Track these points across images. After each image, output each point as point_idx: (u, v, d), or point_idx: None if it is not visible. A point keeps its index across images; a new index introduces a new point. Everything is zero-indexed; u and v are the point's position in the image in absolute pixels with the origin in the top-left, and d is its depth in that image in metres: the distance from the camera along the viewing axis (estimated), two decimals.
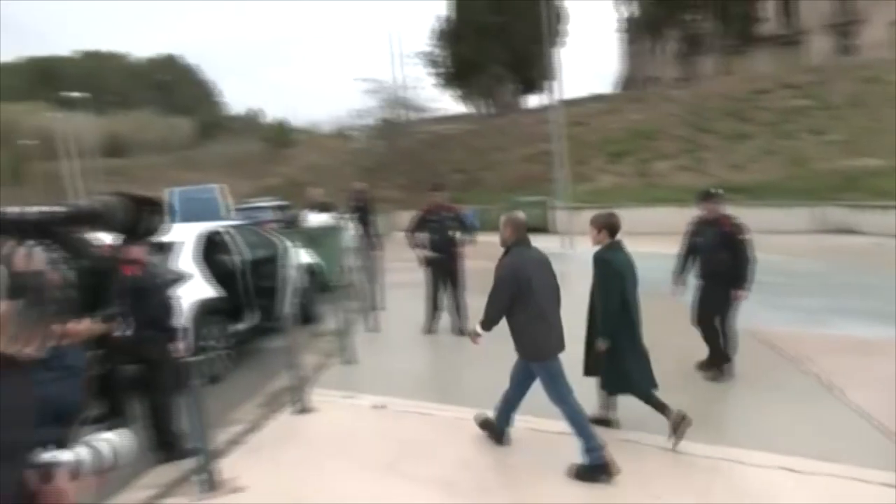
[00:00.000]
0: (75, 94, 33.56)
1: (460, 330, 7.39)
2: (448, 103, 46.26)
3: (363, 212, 14.17)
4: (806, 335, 6.86)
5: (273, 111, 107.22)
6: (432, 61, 40.10)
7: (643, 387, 4.41)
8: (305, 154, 43.16)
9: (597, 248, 4.51)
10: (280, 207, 19.12)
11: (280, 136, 50.75)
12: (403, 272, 7.98)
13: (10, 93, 50.87)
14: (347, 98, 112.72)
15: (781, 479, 3.82)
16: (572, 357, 4.33)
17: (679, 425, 4.23)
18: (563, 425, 4.07)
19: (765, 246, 12.33)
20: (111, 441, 1.28)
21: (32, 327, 0.94)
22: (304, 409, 5.28)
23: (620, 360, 4.35)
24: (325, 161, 36.87)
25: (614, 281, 4.31)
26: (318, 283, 9.52)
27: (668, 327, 6.19)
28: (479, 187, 24.96)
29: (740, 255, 5.50)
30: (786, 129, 22.11)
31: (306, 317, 8.40)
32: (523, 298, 4.03)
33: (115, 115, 54.66)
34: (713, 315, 5.67)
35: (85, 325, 2.66)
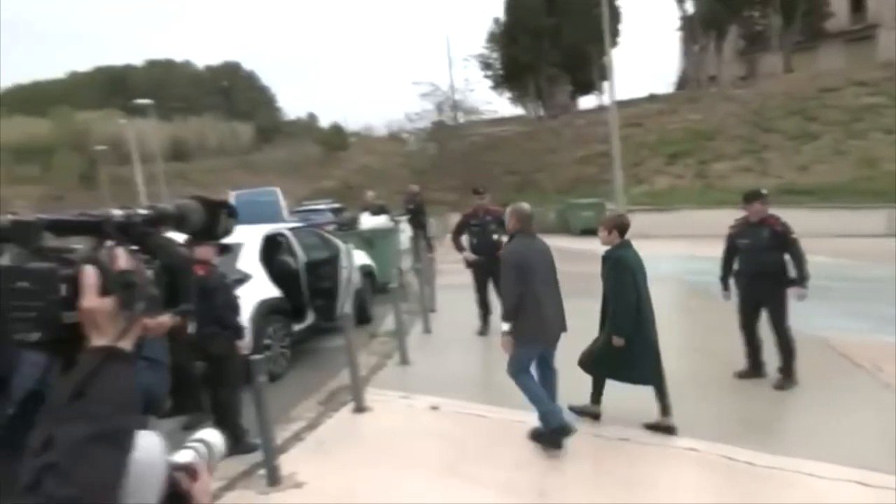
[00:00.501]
0: (143, 102, 35.02)
1: (480, 332, 7.70)
2: (501, 105, 46.22)
3: (417, 214, 14.32)
4: (878, 343, 6.54)
5: (328, 115, 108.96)
6: (486, 64, 40.09)
7: (644, 379, 4.58)
8: (359, 157, 43.88)
9: (607, 247, 4.66)
10: (335, 210, 19.54)
11: (335, 140, 51.80)
12: (455, 274, 8.04)
13: (85, 101, 53.74)
14: (401, 101, 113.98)
15: (855, 492, 3.66)
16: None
17: (661, 429, 4.46)
18: (622, 431, 4.02)
19: (834, 250, 11.89)
20: (214, 438, 1.35)
21: (128, 323, 1.00)
22: (361, 409, 5.37)
23: (631, 353, 4.50)
24: (379, 164, 37.38)
25: (628, 278, 4.46)
26: (373, 285, 9.65)
27: (727, 332, 6.02)
28: (532, 189, 24.79)
29: (796, 253, 5.44)
30: (856, 129, 21.09)
31: (361, 317, 8.54)
32: (523, 283, 4.32)
33: (179, 121, 56.83)
34: (757, 317, 5.61)
35: (164, 319, 2.79)
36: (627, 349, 4.49)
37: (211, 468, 1.26)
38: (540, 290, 4.36)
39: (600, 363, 4.72)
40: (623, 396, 4.74)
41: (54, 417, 0.92)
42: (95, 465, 0.91)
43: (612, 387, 4.78)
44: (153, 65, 70.77)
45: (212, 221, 1.21)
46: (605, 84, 37.23)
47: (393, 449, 4.59)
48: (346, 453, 4.58)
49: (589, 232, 19.59)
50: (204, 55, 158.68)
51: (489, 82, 40.69)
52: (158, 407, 2.03)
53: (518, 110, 43.21)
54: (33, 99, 57.30)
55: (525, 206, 4.71)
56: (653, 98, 34.81)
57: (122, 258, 1.02)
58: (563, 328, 4.55)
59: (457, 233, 7.96)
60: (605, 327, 4.69)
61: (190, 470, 1.19)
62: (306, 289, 7.47)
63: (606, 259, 4.61)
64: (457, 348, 7.44)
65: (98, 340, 0.98)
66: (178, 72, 71.59)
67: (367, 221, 12.27)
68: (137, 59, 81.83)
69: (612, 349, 4.53)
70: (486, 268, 7.60)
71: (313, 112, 78.43)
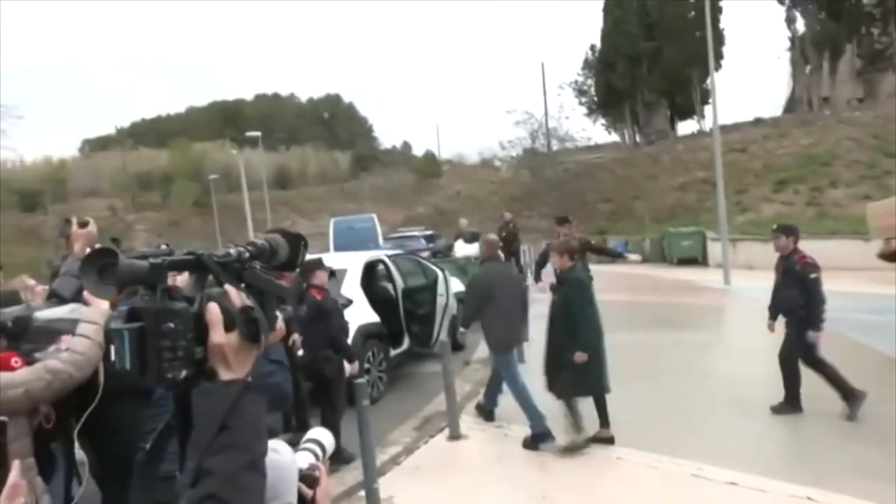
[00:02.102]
0: (252, 134, 37.39)
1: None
2: (596, 132, 45.68)
3: (510, 241, 14.34)
4: None
5: (422, 143, 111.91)
6: (581, 91, 39.88)
7: (605, 387, 5.03)
8: (452, 184, 44.61)
9: (562, 270, 5.17)
10: (428, 236, 19.90)
11: (428, 167, 52.87)
12: (547, 303, 8.00)
13: (200, 133, 57.99)
14: (494, 129, 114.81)
15: None
16: None
17: (600, 439, 4.89)
18: (700, 468, 3.83)
19: None
20: (326, 438, 1.46)
21: (247, 355, 1.06)
22: (457, 436, 5.43)
23: (595, 364, 4.92)
24: (472, 191, 37.84)
25: (588, 294, 5.01)
26: None
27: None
28: (628, 217, 24.26)
29: (812, 293, 5.39)
30: None
31: (454, 344, 8.63)
32: (489, 303, 5.25)
33: (283, 151, 60.09)
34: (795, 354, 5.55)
35: (281, 326, 3.10)
36: (590, 362, 4.84)
37: (326, 468, 1.35)
38: (505, 308, 5.35)
39: (572, 384, 4.99)
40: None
41: (204, 450, 0.98)
42: (249, 491, 0.99)
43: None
44: (261, 98, 75.50)
45: (294, 253, 1.24)
46: (706, 108, 36.21)
47: (489, 478, 4.60)
48: (442, 479, 4.64)
49: (687, 261, 18.89)
50: (307, 88, 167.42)
51: (584, 109, 40.41)
52: (286, 402, 2.24)
53: (613, 137, 42.63)
54: (155, 132, 62.61)
55: (492, 236, 5.91)
56: (758, 122, 33.27)
57: (234, 294, 1.07)
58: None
59: (540, 262, 7.98)
60: (558, 349, 5.05)
61: (311, 478, 1.28)
62: (404, 314, 7.66)
63: (563, 281, 5.06)
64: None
65: (226, 374, 1.03)
66: (284, 104, 75.95)
67: (461, 249, 12.44)
68: (248, 93, 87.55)
69: (575, 368, 4.83)
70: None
71: (408, 140, 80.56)
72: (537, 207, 27.40)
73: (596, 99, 40.15)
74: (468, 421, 5.75)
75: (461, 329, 6.36)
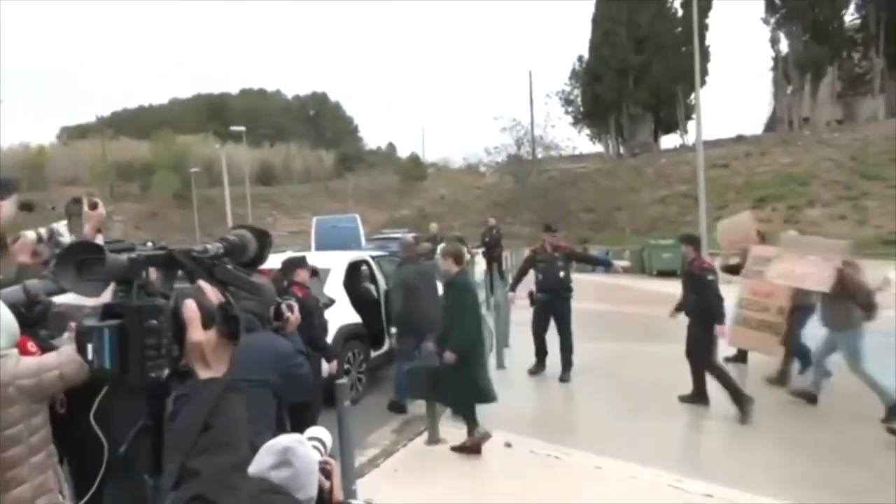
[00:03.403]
0: (237, 128, 37.10)
1: (531, 370, 7.61)
2: (581, 142, 46.10)
3: (492, 247, 14.40)
4: None
5: (407, 146, 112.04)
6: (567, 100, 40.20)
7: (490, 396, 5.13)
8: (437, 187, 44.70)
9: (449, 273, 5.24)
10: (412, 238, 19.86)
11: (413, 170, 52.90)
12: (528, 310, 7.99)
13: (184, 125, 57.40)
14: (480, 135, 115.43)
15: None
16: None
17: (471, 448, 4.96)
18: (678, 479, 3.86)
19: None
20: (326, 437, 1.47)
21: (224, 352, 1.04)
22: (435, 440, 5.41)
23: (474, 374, 5.02)
24: (456, 195, 37.92)
25: (471, 300, 5.11)
26: None
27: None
28: (610, 228, 24.48)
29: (711, 293, 5.93)
30: None
31: None
32: (411, 298, 6.21)
33: (267, 147, 59.66)
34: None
35: (297, 316, 3.27)
36: (469, 369, 4.94)
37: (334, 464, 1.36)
38: (424, 302, 6.12)
39: (449, 392, 5.12)
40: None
41: (187, 450, 0.96)
42: (236, 491, 0.97)
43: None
44: (247, 93, 74.96)
45: (261, 250, 1.23)
46: (690, 123, 36.68)
47: (467, 484, 4.59)
48: (420, 483, 4.62)
49: (667, 274, 19.08)
50: (294, 85, 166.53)
51: (570, 119, 40.74)
52: (312, 390, 2.38)
53: (598, 147, 43.02)
54: (137, 122, 61.81)
55: (409, 237, 6.39)
56: (740, 139, 33.81)
57: (210, 290, 1.04)
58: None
59: (523, 269, 7.95)
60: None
61: (326, 470, 1.29)
62: (385, 316, 7.62)
63: (450, 284, 5.19)
64: (531, 385, 7.38)
65: (204, 372, 1.01)
66: (270, 100, 75.49)
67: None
68: (233, 87, 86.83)
69: (454, 373, 4.93)
70: (549, 306, 7.51)
71: (393, 142, 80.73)
72: (520, 214, 27.52)
73: (582, 109, 40.50)
74: (447, 425, 5.73)
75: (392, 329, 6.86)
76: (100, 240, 2.24)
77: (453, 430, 5.62)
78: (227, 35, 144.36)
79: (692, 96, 29.56)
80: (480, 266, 13.79)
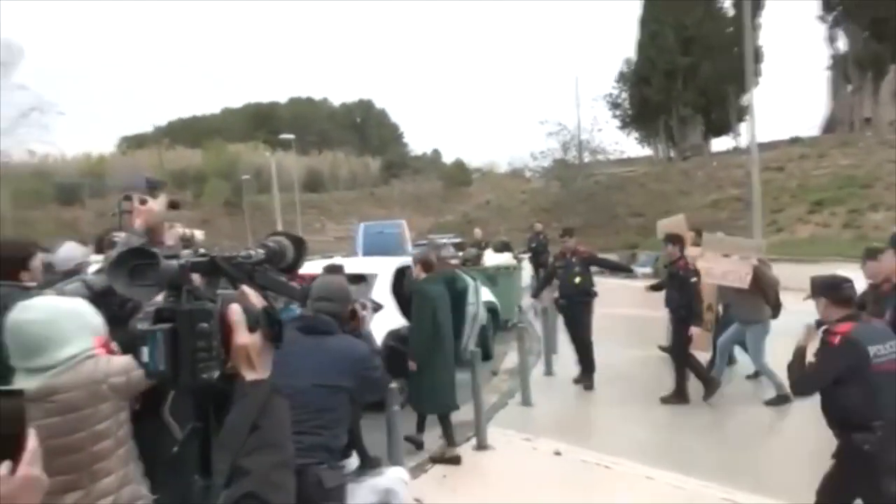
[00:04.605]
0: (286, 136, 37.90)
1: (575, 379, 7.48)
2: (629, 146, 45.40)
3: (539, 252, 14.30)
4: None
5: (452, 152, 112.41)
6: (614, 104, 39.61)
7: (449, 404, 5.19)
8: (482, 193, 44.66)
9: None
10: (456, 244, 19.91)
11: (458, 175, 53.05)
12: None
13: (234, 134, 58.98)
14: (526, 139, 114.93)
15: None
16: None
17: (443, 460, 4.99)
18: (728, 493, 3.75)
19: None
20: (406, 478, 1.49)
21: (268, 355, 1.07)
22: (483, 446, 5.42)
23: (431, 379, 5.04)
24: (501, 200, 37.78)
25: (427, 309, 5.12)
26: (496, 322, 9.70)
27: None
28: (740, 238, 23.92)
29: (692, 294, 6.26)
30: None
31: (483, 354, 8.59)
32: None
33: (315, 154, 60.74)
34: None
35: (368, 314, 3.39)
36: (426, 377, 5.00)
37: None
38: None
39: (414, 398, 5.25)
40: None
41: (237, 450, 0.99)
42: (285, 489, 1.01)
43: None
44: (294, 101, 76.47)
45: (298, 255, 1.25)
46: (742, 125, 35.67)
47: (517, 492, 4.57)
48: (469, 489, 4.63)
49: None
50: (340, 93, 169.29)
51: (617, 122, 40.12)
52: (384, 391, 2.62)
53: (646, 151, 42.16)
54: (191, 131, 63.78)
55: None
56: (796, 141, 32.67)
57: (253, 295, 1.07)
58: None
59: (547, 276, 8.17)
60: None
61: None
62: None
63: (413, 292, 5.32)
64: (579, 392, 7.32)
65: (250, 374, 1.04)
66: (317, 108, 76.81)
67: (491, 258, 12.40)
68: (282, 96, 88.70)
69: (417, 380, 5.05)
70: (566, 312, 7.51)
71: (438, 148, 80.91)
72: (566, 219, 27.12)
73: (630, 112, 39.83)
74: (495, 432, 5.72)
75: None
76: (171, 239, 2.36)
77: (501, 437, 5.62)
78: (275, 44, 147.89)
79: (744, 97, 28.74)
80: (527, 272, 13.71)
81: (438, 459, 5.04)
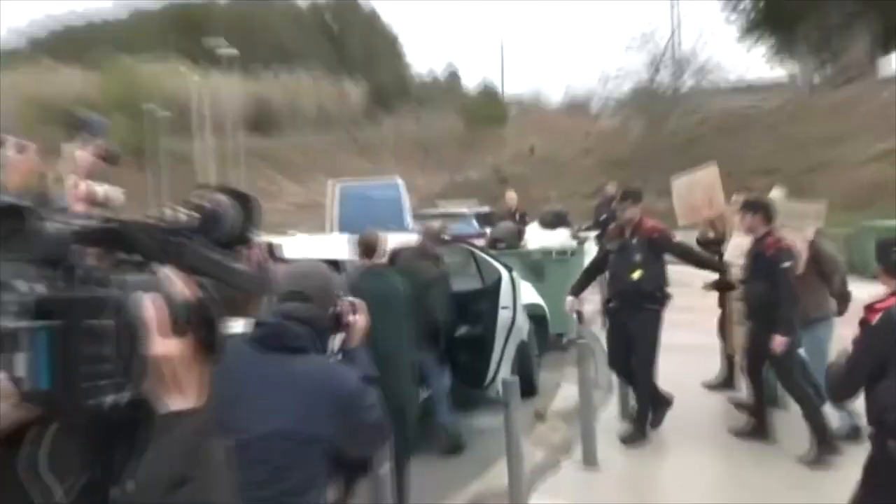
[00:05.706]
0: (223, 51, 38.02)
1: (631, 417, 7.52)
2: (753, 65, 45.07)
3: None
4: None
5: (477, 74, 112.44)
6: (732, 2, 39.42)
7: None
8: (522, 137, 44.62)
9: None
10: (483, 216, 19.82)
11: (486, 111, 53.13)
12: (679, 326, 7.92)
13: (143, 47, 59.13)
14: (589, 59, 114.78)
15: None
16: None
17: None
18: None
19: None
20: None
21: (202, 371, 1.07)
22: (594, 462, 5.96)
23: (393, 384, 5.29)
24: (552, 148, 37.81)
25: (397, 313, 5.66)
26: (544, 336, 9.66)
27: None
28: (799, 200, 23.76)
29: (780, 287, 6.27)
30: None
31: (525, 386, 8.50)
32: None
33: (268, 78, 60.93)
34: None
35: (362, 319, 3.24)
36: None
37: None
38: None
39: None
40: None
41: None
42: None
43: None
44: (239, 1, 76.76)
45: (247, 222, 1.31)
46: None
47: None
48: None
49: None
50: None
51: (735, 30, 39.90)
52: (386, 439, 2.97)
53: (779, 73, 42.01)
54: (84, 45, 64.20)
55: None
56: None
57: (180, 284, 1.07)
58: None
59: (593, 266, 8.12)
60: None
61: None
62: (444, 335, 7.52)
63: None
64: (675, 447, 7.29)
65: (175, 402, 1.04)
66: (272, 9, 76.99)
67: (537, 238, 12.28)
68: None
69: None
70: (621, 320, 7.40)
71: (455, 69, 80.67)
72: (654, 178, 27.02)
73: (754, 15, 39.60)
74: (605, 445, 6.24)
75: None
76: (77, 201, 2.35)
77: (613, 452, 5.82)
78: None
79: None
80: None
81: None
